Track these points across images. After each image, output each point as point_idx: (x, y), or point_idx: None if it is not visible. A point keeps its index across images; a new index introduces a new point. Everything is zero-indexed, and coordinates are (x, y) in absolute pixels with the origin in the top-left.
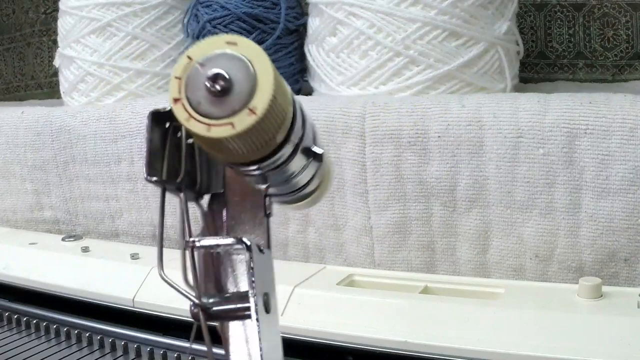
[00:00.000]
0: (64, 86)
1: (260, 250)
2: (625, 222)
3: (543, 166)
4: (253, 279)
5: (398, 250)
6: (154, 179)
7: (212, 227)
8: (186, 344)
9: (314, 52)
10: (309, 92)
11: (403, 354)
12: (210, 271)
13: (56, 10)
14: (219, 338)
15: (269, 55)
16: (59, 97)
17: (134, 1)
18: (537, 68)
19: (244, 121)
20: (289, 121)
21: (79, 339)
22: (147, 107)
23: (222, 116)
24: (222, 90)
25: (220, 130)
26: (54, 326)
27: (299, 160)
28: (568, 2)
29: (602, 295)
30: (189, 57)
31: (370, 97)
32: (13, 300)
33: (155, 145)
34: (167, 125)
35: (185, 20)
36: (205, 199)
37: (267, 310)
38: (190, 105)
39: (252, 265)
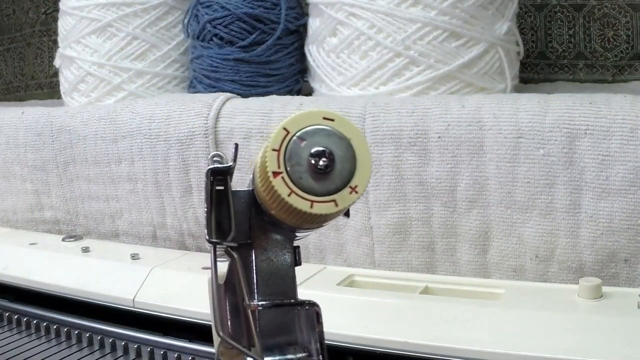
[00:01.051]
0: (64, 86)
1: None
2: (625, 222)
3: (543, 167)
4: (321, 337)
5: (398, 250)
6: (217, 240)
7: (241, 274)
8: (186, 344)
9: (314, 53)
10: (309, 92)
11: (403, 354)
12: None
13: (56, 10)
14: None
15: (269, 55)
16: (59, 97)
17: (135, 1)
18: (537, 68)
19: (346, 199)
20: None
21: (79, 339)
22: (147, 107)
23: (325, 193)
24: (326, 167)
25: (323, 207)
26: (54, 326)
27: None
28: (568, 3)
29: (602, 296)
30: (286, 130)
31: (371, 97)
32: (13, 300)
33: (218, 203)
34: (212, 179)
35: (186, 20)
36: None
37: None
38: (291, 180)
39: (320, 325)
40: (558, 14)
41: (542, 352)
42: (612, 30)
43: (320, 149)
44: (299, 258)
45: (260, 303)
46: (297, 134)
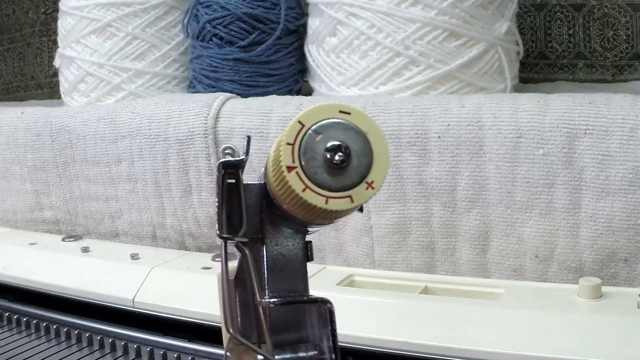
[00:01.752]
0: (64, 86)
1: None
2: (625, 222)
3: (543, 166)
4: (333, 335)
5: (398, 250)
6: (229, 236)
7: (252, 270)
8: (186, 344)
9: (314, 53)
10: (309, 92)
11: (403, 354)
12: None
13: (56, 10)
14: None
15: (269, 55)
16: (59, 97)
17: (134, 1)
18: (537, 68)
19: (362, 195)
20: None
21: (79, 339)
22: (147, 107)
23: (341, 189)
24: (342, 162)
25: (338, 203)
26: (54, 326)
27: None
28: (568, 2)
29: (602, 296)
30: (301, 123)
31: (370, 97)
32: (13, 300)
33: (225, 197)
34: (223, 173)
35: (185, 20)
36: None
37: None
38: (306, 175)
39: (333, 322)
40: (558, 13)
41: (542, 352)
42: (612, 30)
43: (337, 143)
44: (311, 253)
45: (272, 300)
46: (313, 127)
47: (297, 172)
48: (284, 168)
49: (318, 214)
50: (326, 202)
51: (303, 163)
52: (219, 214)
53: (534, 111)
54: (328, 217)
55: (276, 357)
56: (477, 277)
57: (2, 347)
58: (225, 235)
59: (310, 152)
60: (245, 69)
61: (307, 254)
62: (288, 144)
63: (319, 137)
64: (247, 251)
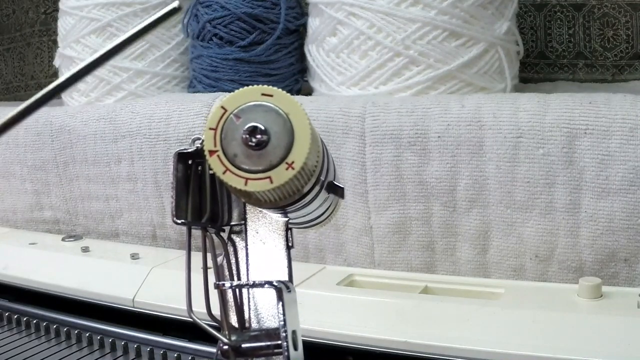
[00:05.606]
0: None
1: (288, 290)
2: (625, 222)
3: (543, 166)
4: (283, 319)
5: (398, 250)
6: (181, 221)
7: (233, 257)
8: (186, 344)
9: (314, 52)
10: (309, 92)
11: (403, 354)
12: (228, 305)
13: (56, 10)
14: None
15: (269, 55)
16: (59, 97)
17: (134, 1)
18: (537, 68)
19: (281, 175)
20: (319, 168)
21: (79, 339)
22: (147, 107)
23: (260, 170)
24: (259, 143)
25: (257, 184)
26: (54, 326)
27: (321, 197)
28: (568, 2)
29: (602, 295)
30: (223, 108)
31: (370, 97)
32: (13, 300)
33: (181, 185)
34: (190, 162)
35: (185, 20)
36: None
37: (296, 347)
38: (227, 157)
39: (282, 306)
40: (558, 13)
41: (542, 352)
42: (612, 30)
43: (253, 124)
44: (292, 240)
45: (223, 283)
46: (234, 111)
47: (217, 155)
48: (206, 152)
49: (241, 193)
50: (245, 183)
51: (224, 146)
52: (175, 198)
53: (534, 111)
54: (249, 196)
55: (232, 338)
56: (477, 277)
57: (2, 347)
58: (177, 221)
59: (231, 135)
60: (245, 68)
61: (287, 241)
62: (211, 128)
63: (239, 121)
64: (206, 236)
